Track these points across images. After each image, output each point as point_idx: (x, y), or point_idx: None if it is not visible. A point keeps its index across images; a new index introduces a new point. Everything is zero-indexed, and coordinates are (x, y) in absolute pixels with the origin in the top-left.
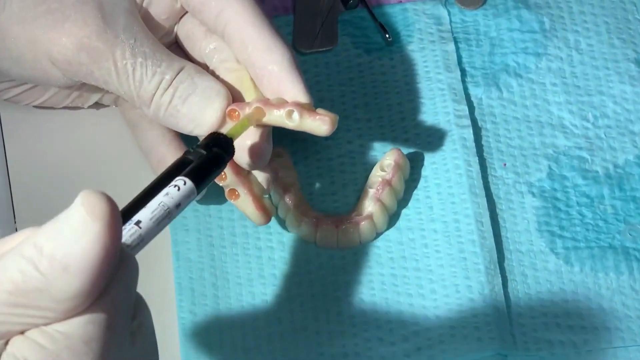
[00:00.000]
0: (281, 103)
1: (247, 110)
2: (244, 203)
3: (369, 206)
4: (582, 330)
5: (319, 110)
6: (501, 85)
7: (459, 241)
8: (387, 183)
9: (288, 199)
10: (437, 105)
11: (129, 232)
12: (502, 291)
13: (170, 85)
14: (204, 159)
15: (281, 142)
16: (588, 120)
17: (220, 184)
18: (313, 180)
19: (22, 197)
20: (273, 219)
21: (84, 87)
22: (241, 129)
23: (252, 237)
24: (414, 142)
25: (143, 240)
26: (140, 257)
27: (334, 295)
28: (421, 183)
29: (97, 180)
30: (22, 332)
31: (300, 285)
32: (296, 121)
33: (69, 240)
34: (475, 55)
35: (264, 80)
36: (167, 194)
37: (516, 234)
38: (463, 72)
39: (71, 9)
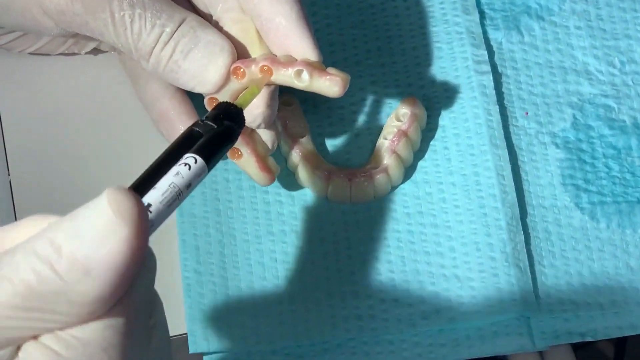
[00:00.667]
0: (289, 61)
1: (253, 68)
2: (247, 163)
3: (384, 158)
4: (609, 290)
5: (330, 70)
6: (522, 29)
7: (479, 195)
8: (403, 133)
9: (298, 151)
10: (454, 50)
11: None
12: (524, 249)
13: (171, 38)
14: (215, 133)
15: (290, 89)
16: (614, 66)
17: None
18: (324, 129)
19: (17, 156)
20: (282, 171)
21: (79, 35)
22: (250, 96)
23: (259, 190)
24: (430, 89)
25: (153, 225)
26: None
27: (346, 253)
28: (438, 133)
29: (97, 134)
30: (35, 337)
31: (310, 242)
32: (305, 82)
33: (92, 242)
34: None
35: (270, 33)
36: (177, 173)
37: (539, 187)
38: (482, 15)
39: None
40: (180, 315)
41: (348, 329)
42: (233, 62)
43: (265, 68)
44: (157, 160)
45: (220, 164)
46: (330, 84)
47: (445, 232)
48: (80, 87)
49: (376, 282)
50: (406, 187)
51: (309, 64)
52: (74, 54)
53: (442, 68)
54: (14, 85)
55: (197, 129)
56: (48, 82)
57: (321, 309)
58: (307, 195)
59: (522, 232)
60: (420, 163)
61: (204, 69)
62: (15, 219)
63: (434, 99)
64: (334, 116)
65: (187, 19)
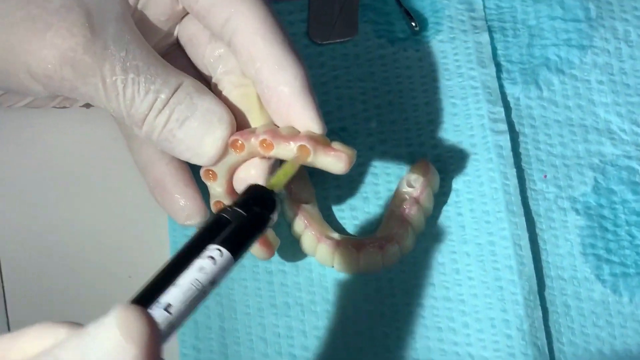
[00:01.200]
0: (291, 135)
1: (253, 141)
2: None
3: (395, 227)
4: None
5: (335, 145)
6: (541, 83)
7: (494, 267)
8: (415, 201)
9: (303, 218)
10: (469, 107)
11: (158, 319)
12: (542, 326)
13: (165, 105)
14: (244, 223)
15: None
16: (638, 125)
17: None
18: (330, 193)
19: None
20: (286, 238)
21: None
22: (284, 177)
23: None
24: (443, 149)
25: (173, 327)
26: (135, 282)
27: (354, 329)
28: (452, 198)
29: (92, 190)
30: None
31: (316, 316)
32: (309, 158)
33: None
34: (512, 48)
35: (272, 101)
36: (201, 268)
37: (558, 258)
38: (498, 67)
39: (55, 16)
40: None
41: None
42: (232, 133)
43: (266, 143)
44: (178, 251)
45: None
46: (335, 161)
47: (458, 306)
48: (73, 143)
49: None
50: (417, 256)
51: (312, 138)
52: (65, 107)
53: (456, 126)
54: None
55: (225, 216)
56: (39, 135)
57: None
58: (312, 264)
59: (540, 307)
60: (432, 230)
61: (201, 140)
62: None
63: (447, 160)
64: (341, 178)
65: (183, 83)
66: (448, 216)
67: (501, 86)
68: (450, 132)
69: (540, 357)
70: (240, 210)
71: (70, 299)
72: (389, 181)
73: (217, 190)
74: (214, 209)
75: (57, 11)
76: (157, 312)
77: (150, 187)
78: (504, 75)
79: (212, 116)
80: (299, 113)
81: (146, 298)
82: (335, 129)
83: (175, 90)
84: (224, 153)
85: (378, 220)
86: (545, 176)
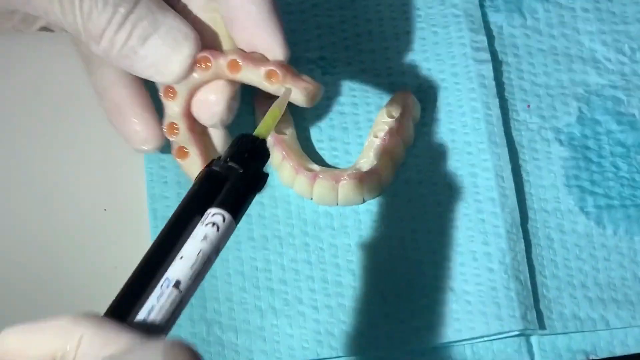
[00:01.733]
0: (261, 59)
1: (221, 61)
2: (192, 165)
3: (375, 158)
4: (615, 304)
5: (304, 77)
6: (525, 11)
7: (476, 199)
8: (395, 131)
9: (281, 148)
10: (451, 35)
11: (168, 298)
12: (525, 259)
13: (126, 20)
14: (242, 181)
15: None
16: (624, 54)
17: (170, 139)
18: (309, 123)
19: None
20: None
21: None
22: (272, 122)
23: None
24: (425, 79)
25: (182, 302)
26: (110, 214)
27: (333, 262)
28: (433, 128)
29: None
30: None
31: (294, 249)
32: (275, 85)
33: None
34: None
35: (237, 22)
36: (204, 237)
37: (541, 189)
38: None
39: None
40: None
41: (334, 346)
42: (198, 52)
43: (235, 64)
44: (176, 213)
45: None
46: (300, 92)
47: (439, 238)
48: (30, 76)
49: (364, 295)
50: (398, 187)
51: (282, 66)
52: (20, 31)
53: (438, 55)
54: None
55: (218, 170)
56: None
57: (306, 324)
58: (290, 196)
59: (522, 240)
60: (413, 160)
61: (166, 58)
62: None
63: (429, 89)
64: (320, 107)
65: None
66: (430, 147)
67: (484, 14)
68: (432, 61)
69: (523, 290)
70: (235, 166)
71: (51, 285)
72: (369, 111)
73: (174, 110)
74: (167, 131)
75: None
76: (167, 289)
77: (107, 111)
78: (487, 2)
79: (177, 33)
80: (265, 35)
81: (150, 272)
82: (313, 58)
83: (136, 5)
84: (189, 72)
85: (357, 151)
86: (529, 106)
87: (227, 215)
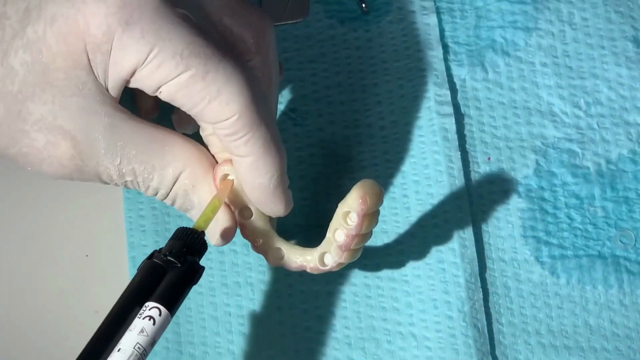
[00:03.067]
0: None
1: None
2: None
3: (336, 256)
4: (567, 350)
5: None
6: (487, 65)
7: (437, 249)
8: (355, 237)
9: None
10: (417, 89)
11: None
12: (482, 307)
13: (166, 197)
14: (179, 275)
15: None
16: (580, 108)
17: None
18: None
19: None
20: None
21: None
22: (212, 213)
23: None
24: (390, 130)
25: None
26: (92, 262)
27: (302, 307)
28: (398, 179)
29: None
30: None
31: (265, 295)
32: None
33: None
34: (460, 29)
35: (246, 187)
36: (141, 330)
37: (499, 239)
38: (445, 49)
39: (44, 152)
40: None
41: None
42: (231, 232)
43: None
44: (117, 303)
45: (174, 211)
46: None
47: (402, 286)
48: None
49: (332, 340)
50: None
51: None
52: None
53: (404, 108)
54: None
55: (160, 264)
56: None
57: None
58: None
59: (480, 290)
60: (380, 211)
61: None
62: None
63: (394, 141)
64: (291, 158)
65: (179, 178)
66: (394, 197)
67: (448, 68)
68: (398, 113)
69: (480, 337)
70: (174, 260)
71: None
72: (337, 162)
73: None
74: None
75: (44, 148)
76: None
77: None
78: (451, 56)
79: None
80: (270, 206)
81: (92, 357)
82: (285, 110)
83: (173, 185)
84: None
85: (326, 208)
86: (489, 159)
87: (163, 309)
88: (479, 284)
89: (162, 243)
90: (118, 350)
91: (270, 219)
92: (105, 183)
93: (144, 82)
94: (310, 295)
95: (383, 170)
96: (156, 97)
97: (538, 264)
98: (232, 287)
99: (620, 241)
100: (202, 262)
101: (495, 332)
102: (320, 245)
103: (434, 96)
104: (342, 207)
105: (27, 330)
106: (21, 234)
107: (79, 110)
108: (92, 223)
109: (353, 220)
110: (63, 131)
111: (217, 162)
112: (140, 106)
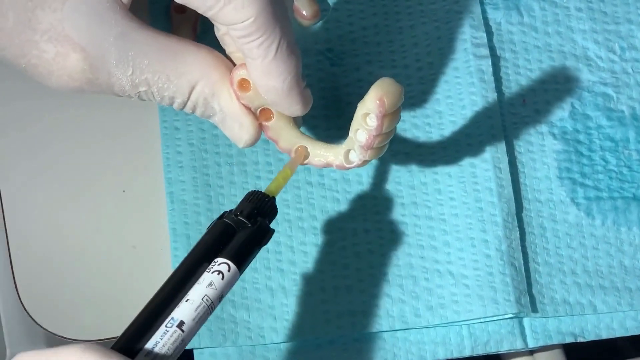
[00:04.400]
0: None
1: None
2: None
3: (360, 154)
4: (602, 290)
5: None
6: (522, 8)
7: (475, 189)
8: (377, 137)
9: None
10: (453, 30)
11: (171, 336)
12: (519, 247)
13: (184, 106)
14: (250, 235)
15: None
16: (614, 52)
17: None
18: (317, 112)
19: None
20: (273, 155)
21: None
22: (284, 181)
23: (251, 175)
24: (427, 71)
25: (184, 342)
26: (130, 196)
27: (340, 244)
28: (435, 120)
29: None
30: None
31: (303, 232)
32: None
33: None
34: None
35: (262, 91)
36: (210, 283)
37: (535, 181)
38: None
39: (53, 65)
40: None
41: (341, 325)
42: (257, 133)
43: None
44: (187, 258)
45: (211, 147)
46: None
47: (440, 225)
48: None
49: (369, 277)
50: (401, 175)
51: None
52: None
53: (440, 49)
54: None
55: (231, 224)
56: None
57: (314, 304)
58: (299, 182)
59: (517, 229)
60: (416, 150)
61: (230, 134)
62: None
63: (431, 82)
64: (328, 97)
65: (196, 87)
66: (431, 137)
67: (483, 11)
68: (434, 55)
69: (517, 276)
70: (245, 221)
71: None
72: None
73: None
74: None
75: (54, 60)
76: (172, 328)
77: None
78: (487, 0)
79: (233, 123)
80: (286, 107)
81: (158, 311)
82: (322, 50)
83: (190, 94)
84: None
85: None
86: (525, 101)
87: (232, 265)
88: (516, 224)
89: (199, 179)
90: (186, 301)
91: (295, 118)
92: (118, 95)
93: None
94: (348, 233)
95: (420, 110)
96: (194, 27)
97: (574, 205)
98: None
99: None
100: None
101: (531, 272)
102: (344, 143)
103: (471, 38)
104: (361, 109)
105: (65, 266)
106: (58, 170)
107: (89, 18)
108: (130, 159)
109: (372, 121)
110: (73, 42)
111: (233, 64)
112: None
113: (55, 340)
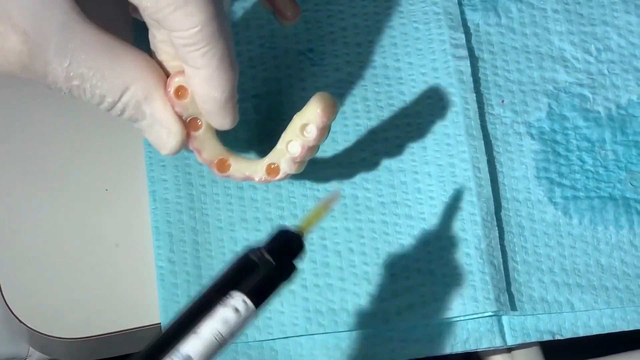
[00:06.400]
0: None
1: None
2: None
3: (287, 167)
4: (579, 288)
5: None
6: (500, 10)
7: (454, 188)
8: (311, 148)
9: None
10: (432, 32)
11: None
12: (498, 245)
13: (113, 107)
14: (272, 273)
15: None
16: (591, 54)
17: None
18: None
19: None
20: (255, 154)
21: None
22: (317, 221)
23: None
24: (406, 72)
25: None
26: (112, 194)
27: (321, 243)
28: (414, 119)
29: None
30: None
31: None
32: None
33: None
34: None
35: (197, 97)
36: (224, 320)
37: (514, 180)
38: None
39: None
40: (155, 305)
41: (322, 323)
42: (182, 142)
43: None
44: (204, 291)
45: None
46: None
47: (420, 224)
48: None
49: (350, 275)
50: (381, 175)
51: None
52: None
53: (419, 50)
54: None
55: (254, 259)
56: None
57: (295, 302)
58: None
59: (496, 228)
60: (396, 150)
61: (157, 141)
62: None
63: (411, 82)
64: (308, 98)
65: (129, 89)
66: (411, 137)
67: (462, 12)
68: (414, 55)
69: (496, 274)
70: (269, 258)
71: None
72: (354, 102)
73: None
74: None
75: None
76: None
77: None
78: (465, 1)
79: (161, 129)
80: (219, 119)
81: (167, 341)
82: (303, 50)
83: (122, 95)
84: (180, 147)
85: (343, 139)
86: (503, 101)
87: (249, 303)
88: (495, 223)
89: (181, 178)
90: (195, 334)
91: (216, 131)
92: (48, 87)
93: None
94: (329, 232)
95: (400, 111)
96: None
97: (551, 205)
98: (251, 222)
99: (631, 184)
100: (220, 196)
101: (510, 270)
102: (267, 156)
103: (449, 39)
104: (301, 120)
105: (48, 264)
106: (40, 168)
107: (36, 2)
108: (112, 157)
109: (311, 132)
110: (15, 24)
111: (165, 72)
112: None
113: (38, 339)
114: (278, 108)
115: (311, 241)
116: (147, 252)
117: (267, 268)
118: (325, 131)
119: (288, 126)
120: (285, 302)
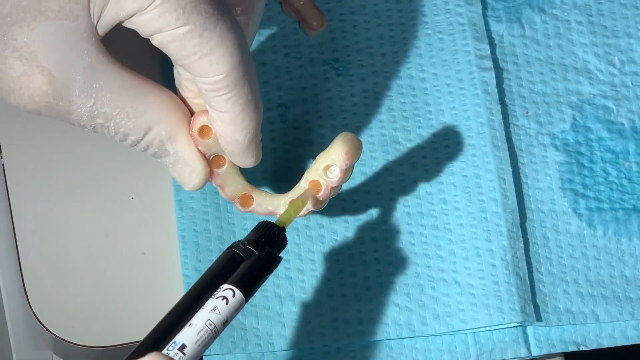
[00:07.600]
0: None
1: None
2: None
3: (310, 205)
4: (604, 299)
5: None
6: (524, 21)
7: (479, 199)
8: (333, 189)
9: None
10: (456, 43)
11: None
12: (524, 257)
13: (137, 144)
14: (256, 262)
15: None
16: (614, 66)
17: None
18: (324, 121)
19: None
20: (282, 164)
21: None
22: (295, 213)
23: (258, 183)
24: (431, 82)
25: None
26: (138, 203)
27: (347, 253)
28: (440, 130)
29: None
30: None
31: (311, 240)
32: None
33: None
34: None
35: (221, 140)
36: (214, 308)
37: (538, 191)
38: (484, 5)
39: (16, 83)
40: None
41: (349, 333)
42: (205, 179)
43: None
44: (192, 288)
45: None
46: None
47: (445, 234)
48: None
49: (376, 285)
50: (407, 185)
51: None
52: None
53: (444, 61)
54: None
55: (238, 252)
56: None
57: (322, 312)
58: None
59: (522, 239)
60: (421, 160)
61: (178, 177)
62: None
63: (436, 93)
64: (334, 107)
65: (153, 128)
66: (436, 147)
67: (486, 23)
68: (438, 66)
69: (522, 285)
70: (252, 249)
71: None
72: (379, 112)
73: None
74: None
75: (18, 78)
76: (173, 351)
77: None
78: (489, 12)
79: (184, 167)
80: (242, 159)
81: (163, 335)
82: (328, 60)
83: (145, 135)
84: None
85: (369, 149)
86: (527, 112)
87: (237, 291)
88: (520, 234)
89: (207, 186)
90: (189, 325)
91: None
92: (72, 124)
93: (140, 26)
94: (356, 242)
95: (425, 121)
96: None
97: (576, 216)
98: None
99: None
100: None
101: (535, 281)
102: (290, 192)
103: (474, 50)
104: (325, 161)
105: (74, 272)
106: (68, 177)
107: (63, 44)
108: (138, 166)
109: (335, 173)
110: (41, 65)
111: (189, 108)
112: None
113: (62, 346)
114: (303, 117)
115: (338, 250)
116: (174, 261)
117: (251, 259)
118: (348, 172)
119: (311, 165)
120: (312, 311)
